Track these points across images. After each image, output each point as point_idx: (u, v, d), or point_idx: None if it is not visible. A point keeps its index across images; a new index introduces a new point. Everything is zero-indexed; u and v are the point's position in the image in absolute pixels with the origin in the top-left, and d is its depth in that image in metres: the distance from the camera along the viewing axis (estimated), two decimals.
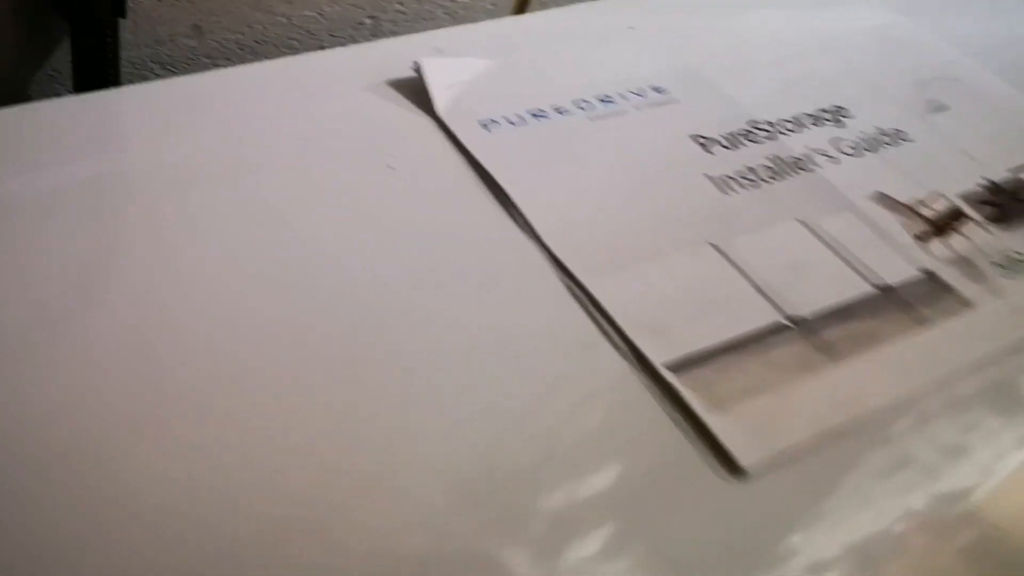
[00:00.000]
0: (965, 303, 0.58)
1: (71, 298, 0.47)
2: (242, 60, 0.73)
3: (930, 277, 0.59)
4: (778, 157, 0.66)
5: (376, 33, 0.80)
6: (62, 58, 0.68)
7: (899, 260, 0.60)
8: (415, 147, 0.63)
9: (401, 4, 0.79)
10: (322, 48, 0.78)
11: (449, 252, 0.54)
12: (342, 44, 0.79)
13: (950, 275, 0.59)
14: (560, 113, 0.69)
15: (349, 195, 0.58)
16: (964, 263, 0.61)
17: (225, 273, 0.51)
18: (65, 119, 0.57)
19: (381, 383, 0.48)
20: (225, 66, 0.74)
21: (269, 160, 0.59)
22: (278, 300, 0.50)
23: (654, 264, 0.58)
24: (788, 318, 0.54)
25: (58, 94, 0.70)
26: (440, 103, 0.64)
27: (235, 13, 0.71)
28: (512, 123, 0.65)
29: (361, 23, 0.78)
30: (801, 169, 0.66)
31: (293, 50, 0.76)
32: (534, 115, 0.66)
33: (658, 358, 0.50)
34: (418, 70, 0.65)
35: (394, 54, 0.69)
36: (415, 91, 0.66)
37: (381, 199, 0.57)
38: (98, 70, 0.64)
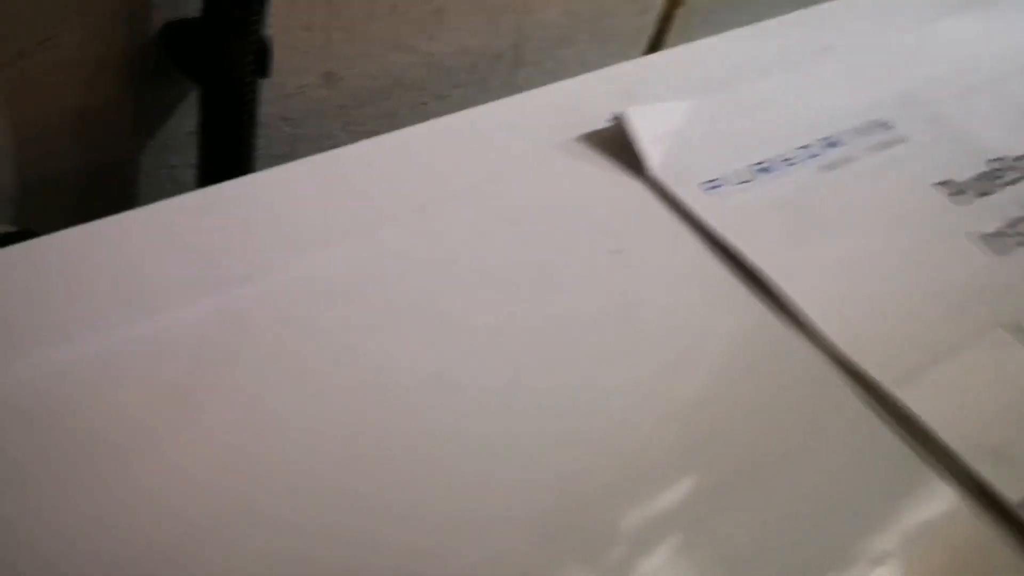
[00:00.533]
0: None
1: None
2: (377, 107, 0.62)
3: None
4: None
5: (517, 63, 0.70)
6: (177, 126, 0.57)
7: None
8: (632, 221, 0.53)
9: (544, 29, 0.69)
10: (458, 87, 0.68)
11: (700, 350, 0.45)
12: (480, 81, 0.69)
13: None
14: (787, 164, 0.59)
15: (566, 292, 0.48)
16: None
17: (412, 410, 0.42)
18: (186, 221, 0.46)
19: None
20: (358, 115, 0.63)
21: (446, 254, 0.48)
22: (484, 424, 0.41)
23: (954, 361, 0.48)
24: None
25: (174, 174, 0.60)
26: (654, 163, 0.53)
27: (373, 55, 0.61)
28: (738, 182, 0.55)
29: (501, 54, 0.68)
30: None
31: (430, 92, 0.65)
32: (760, 170, 0.56)
33: (1013, 492, 0.41)
34: (619, 121, 0.55)
35: (566, 101, 0.59)
36: (614, 147, 0.55)
37: (607, 292, 0.47)
38: (231, 139, 0.54)
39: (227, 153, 0.54)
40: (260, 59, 0.51)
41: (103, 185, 0.56)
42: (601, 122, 0.57)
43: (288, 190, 0.49)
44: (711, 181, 0.55)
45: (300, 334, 0.43)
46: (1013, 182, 0.59)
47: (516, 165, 0.54)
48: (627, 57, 0.80)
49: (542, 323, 0.47)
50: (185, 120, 0.57)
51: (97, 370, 0.40)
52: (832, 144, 0.61)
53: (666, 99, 0.63)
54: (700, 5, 0.84)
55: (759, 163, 0.58)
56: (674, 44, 0.87)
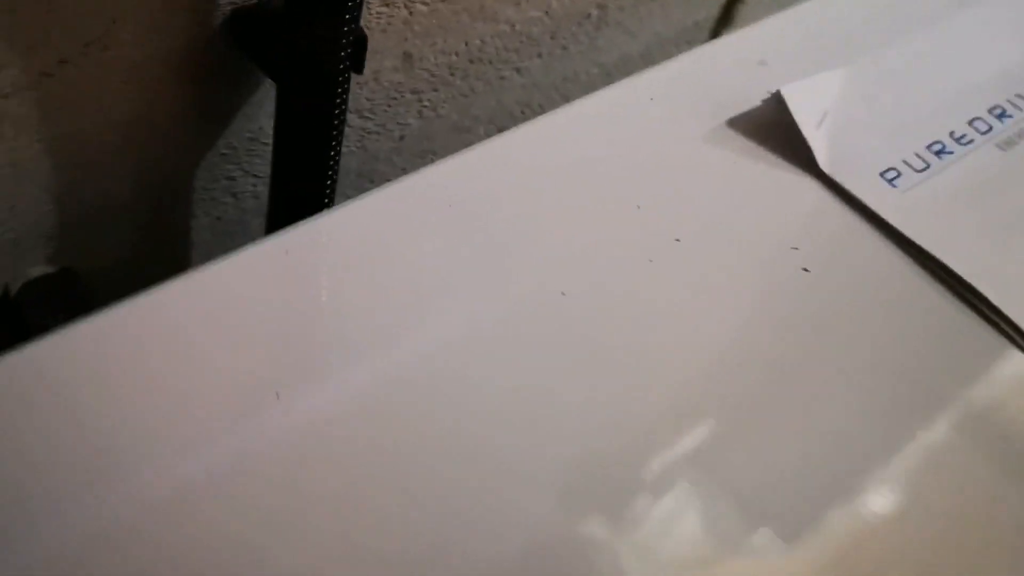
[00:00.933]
0: None
1: None
2: (452, 88, 0.53)
3: None
4: None
5: (600, 25, 0.61)
6: (239, 130, 0.46)
7: None
8: (812, 227, 0.45)
9: None
10: (537, 57, 0.59)
11: (926, 385, 0.38)
12: (561, 49, 0.60)
13: None
14: (961, 144, 0.51)
15: (757, 321, 0.41)
16: None
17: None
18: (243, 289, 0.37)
19: None
20: (433, 99, 0.54)
21: (603, 277, 0.41)
22: None
23: None
24: None
25: (233, 187, 0.49)
26: (824, 156, 0.46)
27: (454, 28, 0.51)
28: (917, 169, 0.48)
29: (588, 15, 0.59)
30: None
31: (510, 64, 0.56)
32: (936, 152, 0.49)
33: None
34: (775, 102, 0.47)
35: (696, 77, 0.51)
36: (770, 132, 0.48)
37: (801, 316, 0.40)
38: (314, 145, 0.44)
39: (307, 161, 0.44)
40: (356, 52, 0.42)
41: (152, 207, 0.47)
42: (743, 98, 0.49)
43: (389, 217, 0.41)
44: (888, 171, 0.48)
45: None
46: None
47: (664, 161, 0.46)
48: (708, 10, 0.72)
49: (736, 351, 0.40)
50: (248, 123, 0.47)
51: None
52: (1002, 115, 0.53)
53: (801, 64, 0.55)
54: None
55: (932, 144, 0.51)
56: None
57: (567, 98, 0.67)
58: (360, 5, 0.39)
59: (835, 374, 0.41)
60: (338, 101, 0.42)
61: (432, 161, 0.62)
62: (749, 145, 0.48)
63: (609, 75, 0.68)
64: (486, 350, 0.38)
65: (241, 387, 0.34)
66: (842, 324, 0.42)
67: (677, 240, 0.44)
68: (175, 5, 0.39)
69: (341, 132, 0.44)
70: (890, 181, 0.48)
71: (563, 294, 0.40)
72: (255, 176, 0.49)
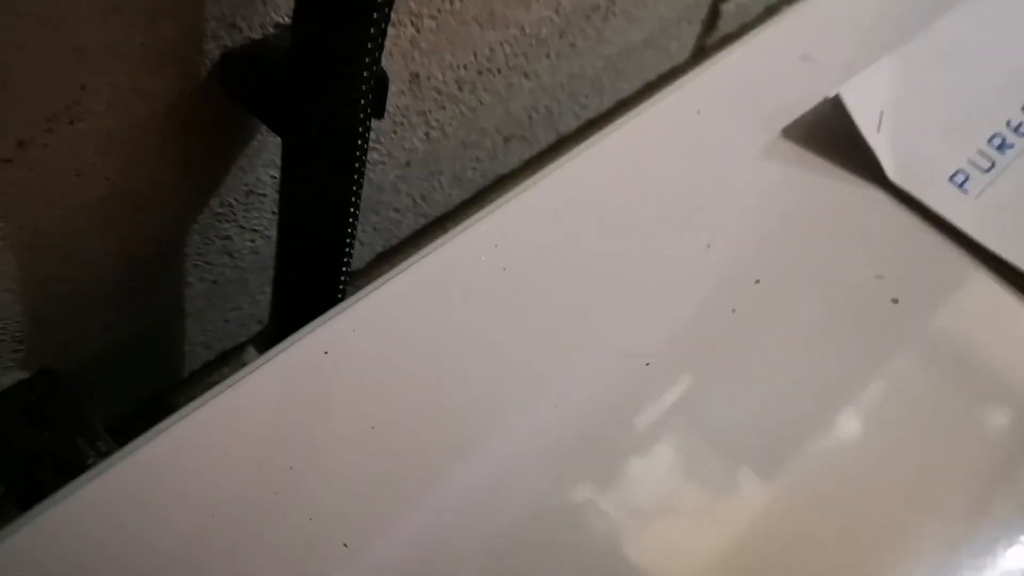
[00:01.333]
0: None
1: None
2: (462, 105, 0.46)
3: None
4: None
5: (608, 16, 0.54)
6: (234, 187, 0.39)
7: None
8: (891, 248, 0.41)
9: None
10: (546, 59, 0.53)
11: None
12: (569, 47, 0.53)
13: None
14: (1020, 134, 0.47)
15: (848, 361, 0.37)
16: None
17: None
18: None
19: None
20: (442, 120, 0.47)
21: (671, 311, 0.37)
22: None
23: None
24: None
25: (229, 247, 0.42)
26: (887, 161, 0.41)
27: (463, 40, 0.44)
28: (983, 169, 0.43)
29: (596, 7, 0.53)
30: None
31: (519, 71, 0.50)
32: (997, 147, 0.44)
33: None
34: (832, 106, 0.42)
35: (739, 79, 0.46)
36: (825, 138, 0.43)
37: (896, 355, 0.36)
38: (331, 203, 0.37)
39: (324, 219, 0.38)
40: (377, 95, 0.35)
41: (137, 286, 0.39)
42: (792, 101, 0.44)
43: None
44: (956, 175, 0.44)
45: None
46: None
47: (725, 188, 0.41)
48: None
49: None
50: (243, 176, 0.39)
51: None
52: None
53: (843, 53, 0.50)
54: None
55: (992, 137, 0.47)
56: None
57: (573, 96, 0.62)
58: (383, 40, 0.33)
59: (952, 420, 0.37)
60: (358, 154, 0.36)
61: (439, 184, 0.57)
62: (808, 157, 0.44)
63: (614, 67, 0.63)
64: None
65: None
66: (939, 356, 0.38)
67: (757, 282, 0.39)
68: (156, 58, 0.32)
69: (361, 187, 0.38)
70: (960, 186, 0.44)
71: (647, 365, 0.35)
72: (253, 231, 0.43)
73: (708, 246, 0.39)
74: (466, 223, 0.38)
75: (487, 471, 0.32)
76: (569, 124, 0.65)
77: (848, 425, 0.36)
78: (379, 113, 0.36)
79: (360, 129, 0.35)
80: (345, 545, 0.29)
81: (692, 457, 0.34)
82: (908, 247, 0.41)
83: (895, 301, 0.40)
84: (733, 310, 0.37)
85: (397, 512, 0.30)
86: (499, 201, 0.39)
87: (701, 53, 0.75)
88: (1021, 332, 0.40)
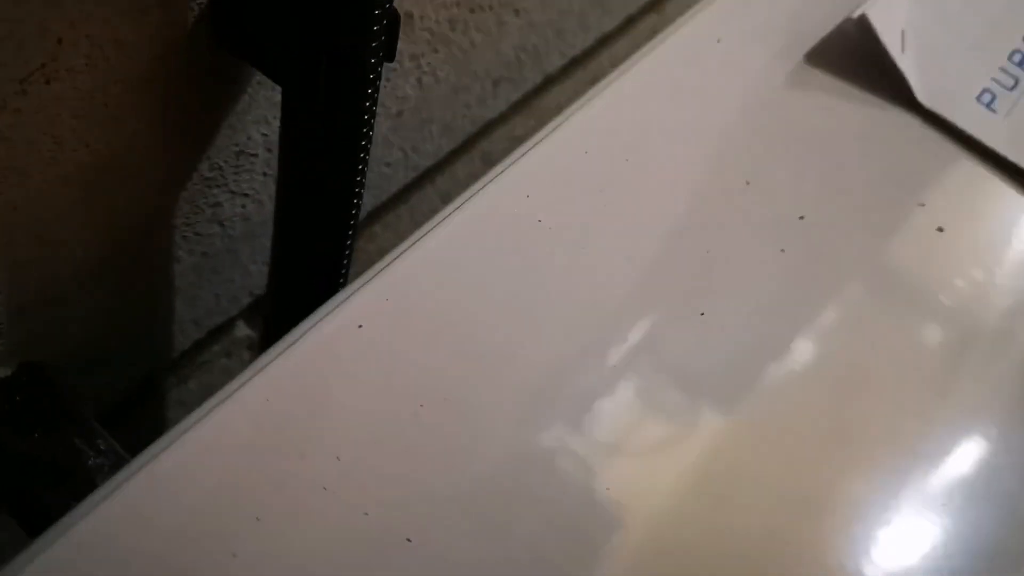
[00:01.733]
0: None
1: None
2: (454, 46, 0.41)
3: None
4: None
5: None
6: (223, 147, 0.35)
7: None
8: (927, 173, 0.39)
9: None
10: None
11: None
12: None
13: None
14: None
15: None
16: None
17: None
18: None
19: None
20: (434, 64, 0.42)
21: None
22: None
23: None
24: None
25: (218, 213, 0.38)
26: (915, 82, 0.39)
27: None
28: (1008, 87, 0.42)
29: None
30: None
31: (510, 7, 0.46)
32: (1018, 63, 0.43)
33: None
34: (857, 26, 0.39)
35: (749, 3, 0.43)
36: (850, 61, 0.40)
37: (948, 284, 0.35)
38: (339, 160, 0.33)
39: (330, 174, 0.34)
40: (389, 36, 0.32)
41: (124, 262, 0.35)
42: (814, 22, 0.42)
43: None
44: (983, 94, 0.42)
45: None
46: None
47: (754, 120, 0.39)
48: None
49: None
50: (233, 136, 0.35)
51: None
52: None
53: None
54: None
55: (1012, 54, 0.45)
56: None
57: (560, 33, 0.58)
58: None
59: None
60: (369, 105, 0.33)
61: (430, 134, 0.53)
62: (835, 83, 0.42)
63: (600, 1, 0.60)
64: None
65: None
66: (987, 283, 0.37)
67: (801, 218, 0.37)
68: (139, 4, 0.28)
69: (371, 140, 0.35)
70: (987, 106, 0.42)
71: (702, 313, 0.33)
72: (244, 195, 0.39)
73: (747, 183, 0.37)
74: (493, 173, 0.35)
75: (551, 437, 0.29)
76: (555, 63, 0.62)
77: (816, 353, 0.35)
78: (390, 56, 0.32)
79: (372, 75, 0.32)
80: (409, 540, 0.26)
81: (780, 389, 0.32)
82: (946, 172, 0.40)
83: (940, 229, 0.38)
84: (782, 250, 0.35)
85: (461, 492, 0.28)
86: (524, 147, 0.36)
87: None
88: None
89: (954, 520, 0.31)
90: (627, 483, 0.30)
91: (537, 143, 0.36)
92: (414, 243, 0.33)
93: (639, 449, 0.32)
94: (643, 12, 0.68)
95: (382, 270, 0.32)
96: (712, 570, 0.29)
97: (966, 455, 0.34)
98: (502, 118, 0.60)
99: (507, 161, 0.35)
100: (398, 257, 0.32)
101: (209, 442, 0.26)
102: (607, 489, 0.29)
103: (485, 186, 0.35)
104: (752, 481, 0.31)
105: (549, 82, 0.63)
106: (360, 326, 0.29)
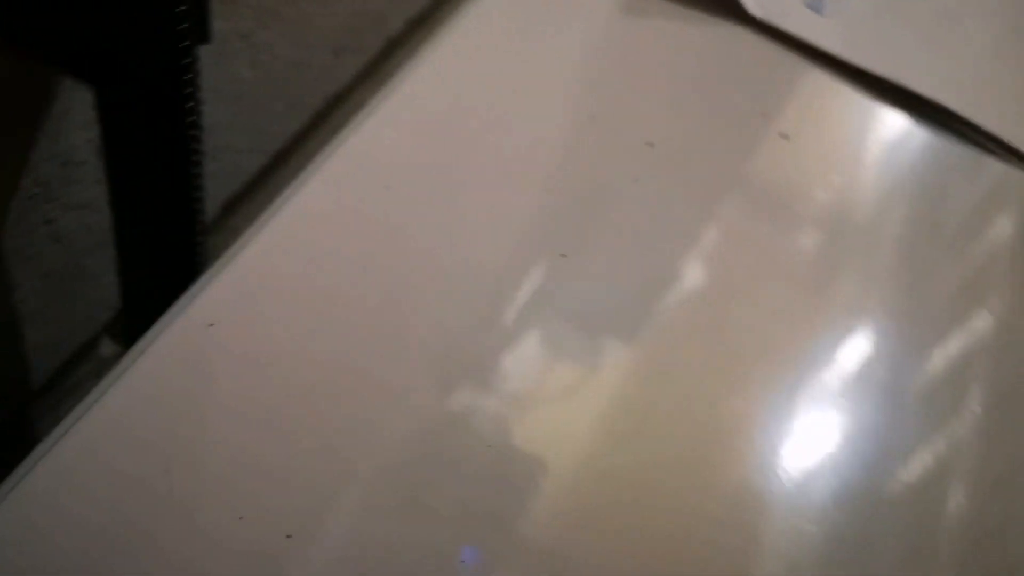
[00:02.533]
0: None
1: None
2: (286, 21, 0.38)
3: None
4: None
5: None
6: (48, 151, 0.33)
7: None
8: (764, 83, 0.40)
9: None
10: None
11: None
12: None
13: None
14: None
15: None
16: None
17: None
18: None
19: None
20: (267, 41, 0.40)
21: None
22: None
23: None
24: None
25: (56, 230, 0.34)
26: None
27: None
28: None
29: None
30: None
31: None
32: None
33: None
34: None
35: None
36: None
37: (790, 188, 0.36)
38: (167, 157, 0.31)
39: (161, 177, 0.32)
40: (197, 15, 0.29)
41: None
42: None
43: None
44: None
45: None
46: None
47: (594, 54, 0.39)
48: None
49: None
50: (53, 145, 0.32)
51: None
52: None
53: None
54: None
55: None
56: None
57: None
58: None
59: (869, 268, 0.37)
60: (189, 90, 0.31)
61: (276, 114, 0.51)
62: (667, 7, 0.42)
63: None
64: None
65: None
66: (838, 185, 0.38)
67: (650, 145, 0.37)
68: None
69: (199, 128, 0.33)
70: (816, 9, 0.43)
71: (563, 255, 0.33)
72: (80, 207, 0.36)
73: (592, 117, 0.37)
74: (335, 143, 0.34)
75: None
76: (396, 26, 0.60)
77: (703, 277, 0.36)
78: (204, 37, 0.30)
79: (186, 59, 0.30)
80: (289, 536, 0.26)
81: (627, 319, 0.33)
82: (783, 80, 0.41)
83: (785, 136, 0.39)
84: (636, 180, 0.36)
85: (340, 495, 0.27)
86: (366, 111, 0.35)
87: None
88: (914, 143, 0.41)
89: (842, 416, 0.33)
90: (529, 434, 0.30)
91: (376, 108, 0.35)
92: (260, 229, 0.31)
93: (532, 398, 0.32)
94: None
95: (229, 263, 0.30)
96: (629, 500, 0.29)
97: (848, 352, 0.35)
98: (349, 89, 0.58)
99: (347, 130, 0.34)
100: (245, 246, 0.31)
101: (62, 473, 0.25)
102: (493, 446, 0.29)
103: (328, 159, 0.34)
104: (651, 411, 0.31)
105: (393, 46, 0.61)
106: (211, 325, 0.28)
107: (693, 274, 0.35)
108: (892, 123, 0.40)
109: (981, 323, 0.37)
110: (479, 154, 0.35)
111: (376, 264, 0.31)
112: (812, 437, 0.32)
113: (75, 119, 0.33)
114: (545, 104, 0.37)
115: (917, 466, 0.33)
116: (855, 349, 0.35)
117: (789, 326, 0.35)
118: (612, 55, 0.39)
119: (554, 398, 0.32)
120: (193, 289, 0.28)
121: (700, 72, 0.39)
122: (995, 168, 0.39)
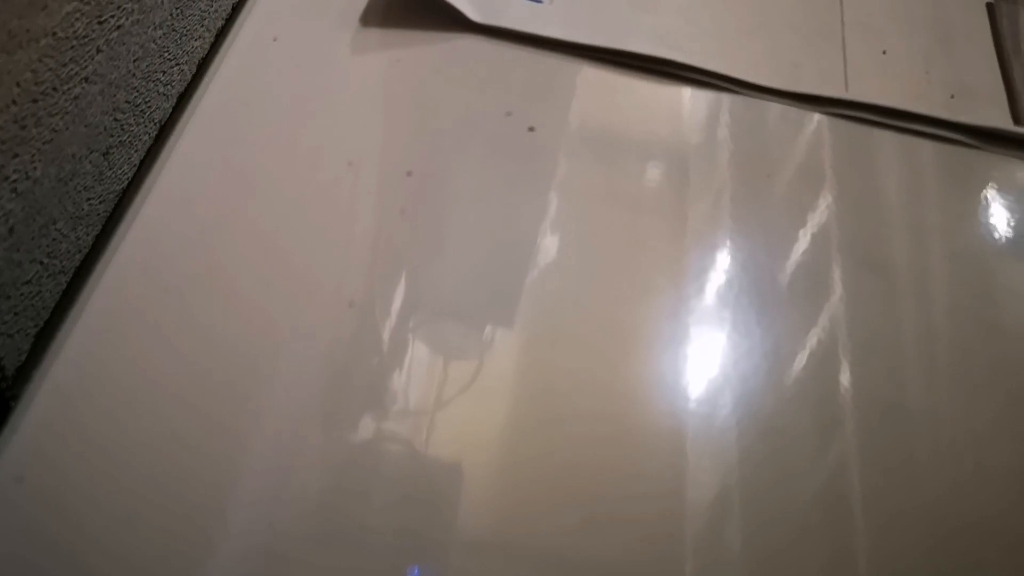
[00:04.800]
0: None
1: None
2: (36, 143, 0.37)
3: None
4: None
5: None
6: None
7: None
8: (507, 81, 0.43)
9: None
10: (100, 51, 0.44)
11: None
12: (117, 26, 0.46)
13: None
14: None
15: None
16: None
17: None
18: None
19: None
20: (21, 167, 0.38)
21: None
22: None
23: None
24: None
25: None
26: (466, 7, 0.42)
27: None
28: None
29: None
30: None
31: (77, 78, 0.41)
32: None
33: None
34: None
35: None
36: (405, 12, 0.42)
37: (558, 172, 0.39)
38: None
39: None
40: None
41: None
42: None
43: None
44: None
45: None
46: None
47: (332, 96, 0.41)
48: None
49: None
50: None
51: None
52: None
53: None
54: None
55: None
56: None
57: (149, 77, 0.56)
58: None
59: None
60: None
61: (60, 234, 0.50)
62: (398, 35, 0.44)
63: (174, 28, 0.57)
64: None
65: None
66: (593, 153, 0.41)
67: (409, 174, 0.39)
68: None
69: None
70: (535, 1, 0.46)
71: (351, 304, 0.34)
72: None
73: (349, 163, 0.39)
74: (107, 256, 0.35)
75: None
76: (163, 108, 0.59)
77: (557, 245, 0.38)
78: None
79: None
80: None
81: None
82: (518, 75, 0.43)
83: (531, 129, 0.41)
84: (402, 211, 0.37)
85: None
86: (134, 208, 0.36)
87: None
88: (641, 98, 0.44)
89: (726, 327, 0.35)
90: (447, 434, 0.31)
91: (141, 207, 0.36)
92: (52, 366, 0.32)
93: (442, 400, 0.33)
94: (230, 21, 0.66)
95: (27, 409, 0.31)
96: (559, 461, 0.31)
97: (714, 269, 0.37)
98: (133, 184, 0.57)
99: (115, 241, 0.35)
100: (39, 389, 0.31)
101: None
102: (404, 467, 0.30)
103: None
104: (553, 375, 0.33)
105: (166, 129, 0.60)
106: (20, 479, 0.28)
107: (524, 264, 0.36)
108: (629, 88, 0.43)
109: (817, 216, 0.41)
110: (240, 232, 0.36)
111: (196, 336, 0.32)
112: (707, 352, 0.34)
113: None
114: (300, 162, 0.38)
115: (809, 343, 0.36)
116: (718, 265, 0.37)
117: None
118: (355, 95, 0.41)
119: (455, 397, 0.33)
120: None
121: (442, 89, 0.41)
122: (736, 101, 0.42)
